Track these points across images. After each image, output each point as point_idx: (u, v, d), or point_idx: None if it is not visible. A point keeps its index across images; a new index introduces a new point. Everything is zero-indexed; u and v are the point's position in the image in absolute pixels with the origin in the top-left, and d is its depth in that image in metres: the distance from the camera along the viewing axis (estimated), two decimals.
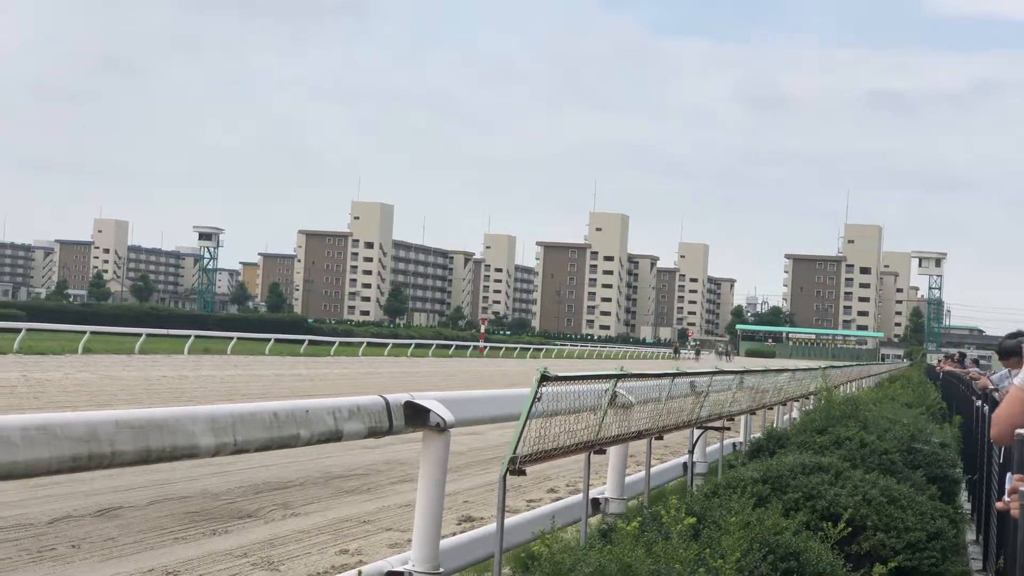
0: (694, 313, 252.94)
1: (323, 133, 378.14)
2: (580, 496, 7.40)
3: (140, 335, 46.84)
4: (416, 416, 5.51)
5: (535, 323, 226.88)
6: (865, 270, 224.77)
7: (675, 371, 8.52)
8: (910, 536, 7.29)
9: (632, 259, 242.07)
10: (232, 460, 12.54)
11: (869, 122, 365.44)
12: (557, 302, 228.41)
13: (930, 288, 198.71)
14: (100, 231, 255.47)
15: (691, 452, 10.48)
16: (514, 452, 5.34)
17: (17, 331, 41.77)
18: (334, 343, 64.77)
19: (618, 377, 6.69)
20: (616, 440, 7.08)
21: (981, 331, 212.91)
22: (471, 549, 6.46)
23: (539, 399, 5.39)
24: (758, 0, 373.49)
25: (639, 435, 7.55)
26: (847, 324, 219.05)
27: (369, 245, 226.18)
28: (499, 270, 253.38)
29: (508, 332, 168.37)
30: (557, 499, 10.68)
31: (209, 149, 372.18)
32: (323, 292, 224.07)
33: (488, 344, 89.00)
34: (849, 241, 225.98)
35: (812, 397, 16.27)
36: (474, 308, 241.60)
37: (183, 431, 4.16)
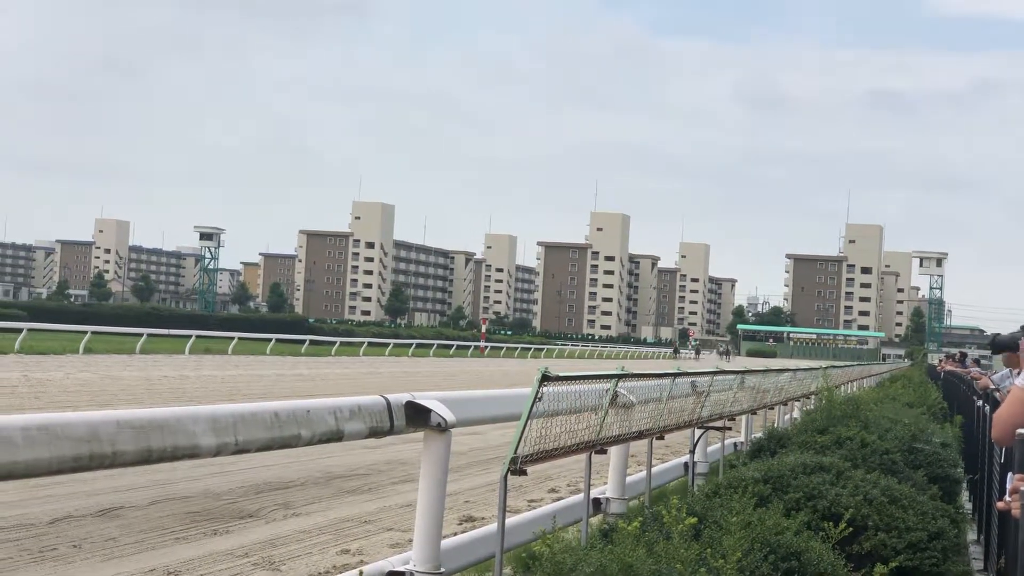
0: (695, 313, 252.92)
1: (323, 133, 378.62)
2: (581, 496, 7.40)
3: (141, 335, 46.86)
4: (417, 416, 5.51)
5: (536, 323, 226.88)
6: (866, 270, 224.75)
7: (676, 371, 8.52)
8: (911, 536, 7.28)
9: (633, 259, 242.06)
10: (233, 460, 12.54)
11: (869, 122, 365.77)
12: (558, 302, 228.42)
13: (931, 288, 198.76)
14: (101, 231, 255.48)
15: (692, 452, 10.48)
16: (515, 452, 5.34)
17: (18, 331, 41.79)
18: (335, 343, 64.78)
19: (619, 377, 6.69)
20: (617, 440, 7.08)
21: (982, 331, 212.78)
22: (472, 549, 6.46)
23: (540, 399, 5.39)
24: (758, 0, 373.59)
25: (640, 435, 7.55)
26: (848, 324, 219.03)
27: (370, 245, 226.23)
28: (500, 270, 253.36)
29: (509, 332, 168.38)
30: (558, 499, 10.68)
31: (209, 149, 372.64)
32: (324, 292, 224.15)
33: (489, 344, 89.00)
34: (850, 241, 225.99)
35: (813, 397, 16.27)
36: (475, 308, 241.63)
37: (184, 431, 4.16)
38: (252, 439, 4.53)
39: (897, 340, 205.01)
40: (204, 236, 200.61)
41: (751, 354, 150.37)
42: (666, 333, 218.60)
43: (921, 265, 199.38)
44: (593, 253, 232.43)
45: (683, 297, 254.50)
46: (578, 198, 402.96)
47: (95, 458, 3.77)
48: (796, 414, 17.22)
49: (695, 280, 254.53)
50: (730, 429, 11.05)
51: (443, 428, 5.50)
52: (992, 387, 11.88)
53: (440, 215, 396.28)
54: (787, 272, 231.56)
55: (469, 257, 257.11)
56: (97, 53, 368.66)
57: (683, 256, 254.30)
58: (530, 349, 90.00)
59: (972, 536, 11.18)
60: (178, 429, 4.13)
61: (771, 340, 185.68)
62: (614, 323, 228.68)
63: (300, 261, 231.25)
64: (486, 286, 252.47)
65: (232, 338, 53.65)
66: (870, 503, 7.45)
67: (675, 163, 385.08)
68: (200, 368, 36.34)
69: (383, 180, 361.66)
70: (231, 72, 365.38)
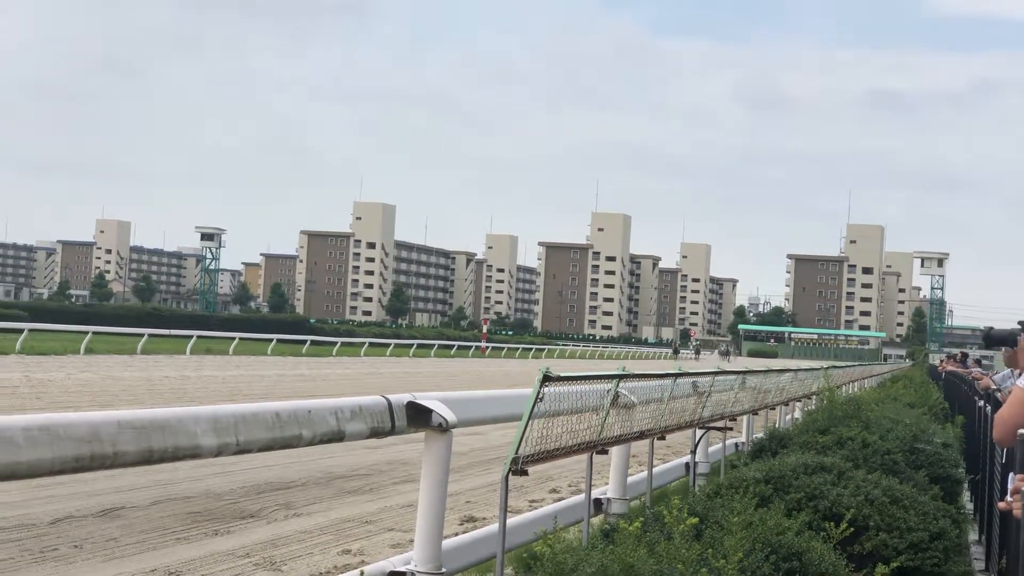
0: (696, 313, 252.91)
1: (323, 133, 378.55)
2: (582, 496, 7.40)
3: (142, 335, 46.88)
4: (418, 416, 5.51)
5: (537, 323, 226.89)
6: (867, 270, 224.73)
7: (678, 371, 8.52)
8: (912, 536, 7.28)
9: (634, 259, 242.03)
10: (234, 460, 12.55)
11: (869, 122, 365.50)
12: (559, 302, 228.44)
13: (932, 288, 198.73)
14: (102, 231, 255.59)
15: (693, 452, 10.47)
16: (516, 452, 5.34)
17: (19, 331, 41.79)
18: (336, 343, 64.77)
19: (620, 377, 6.69)
20: (618, 440, 7.08)
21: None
22: (473, 549, 6.46)
23: (541, 399, 5.39)
24: (758, 0, 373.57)
25: (641, 435, 7.55)
26: (849, 324, 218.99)
27: (371, 245, 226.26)
28: (501, 270, 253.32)
29: (510, 332, 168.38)
30: (559, 499, 10.68)
31: (210, 149, 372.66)
32: (325, 292, 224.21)
33: (490, 344, 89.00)
34: (851, 241, 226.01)
35: (814, 397, 16.28)
36: (476, 308, 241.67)
37: (185, 431, 4.16)
38: (253, 439, 4.53)
39: (898, 340, 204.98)
40: (205, 236, 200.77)
41: (752, 354, 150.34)
42: (667, 333, 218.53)
43: (922, 265, 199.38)
44: (594, 253, 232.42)
45: (684, 297, 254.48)
46: (579, 198, 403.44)
47: (96, 458, 3.77)
48: (797, 414, 17.23)
49: (696, 280, 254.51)
50: (731, 429, 11.05)
51: (444, 428, 5.50)
52: (993, 387, 11.87)
53: (441, 215, 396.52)
54: (788, 272, 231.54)
55: (470, 257, 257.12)
56: (97, 53, 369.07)
57: (684, 256, 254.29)
58: (531, 349, 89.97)
59: (973, 536, 11.18)
60: (179, 429, 4.13)
61: (772, 340, 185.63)
62: (615, 323, 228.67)
63: (301, 261, 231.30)
64: (487, 286, 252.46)
65: (233, 338, 53.66)
66: (871, 503, 7.45)
67: (675, 163, 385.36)
68: (201, 368, 36.35)
69: (384, 180, 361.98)
70: (231, 72, 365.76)
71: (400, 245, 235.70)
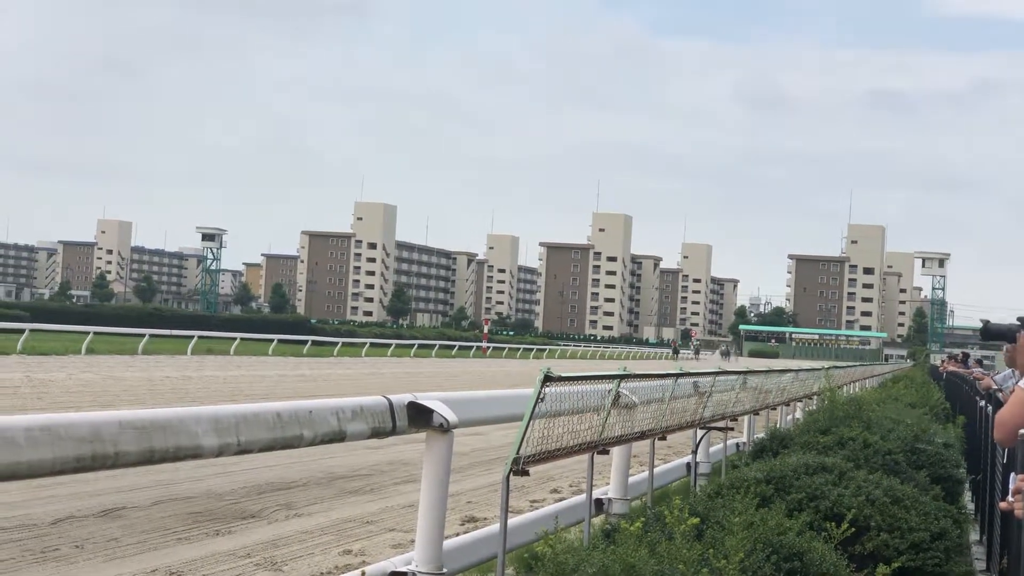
0: (697, 314, 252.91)
1: (323, 133, 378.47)
2: (583, 496, 7.40)
3: (143, 336, 46.90)
4: (419, 417, 5.51)
5: (538, 324, 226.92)
6: (868, 270, 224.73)
7: (679, 372, 8.52)
8: (914, 536, 7.28)
9: (635, 259, 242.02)
10: (236, 460, 12.55)
11: (869, 122, 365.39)
12: (560, 303, 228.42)
13: (933, 288, 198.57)
14: (103, 232, 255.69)
15: (694, 452, 10.47)
16: (517, 452, 5.34)
17: (21, 332, 41.81)
18: (337, 344, 64.78)
19: (621, 377, 6.69)
20: (619, 440, 7.08)
21: None
22: (475, 549, 6.46)
23: (542, 400, 5.39)
24: (758, 0, 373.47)
25: (642, 435, 7.55)
26: (850, 324, 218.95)
27: (372, 246, 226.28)
28: (502, 271, 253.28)
29: (511, 333, 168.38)
30: (560, 499, 10.69)
31: (210, 149, 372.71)
32: (326, 293, 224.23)
33: (491, 344, 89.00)
34: (852, 241, 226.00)
35: (815, 397, 16.27)
36: (477, 309, 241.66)
37: (186, 432, 4.16)
38: (255, 440, 4.53)
39: (899, 340, 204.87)
40: (206, 237, 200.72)
41: (753, 354, 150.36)
42: (668, 334, 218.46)
43: (923, 265, 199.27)
44: (595, 253, 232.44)
45: (685, 297, 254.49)
46: (579, 198, 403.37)
47: (97, 458, 3.77)
48: (798, 414, 17.23)
49: (697, 280, 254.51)
50: (732, 429, 11.05)
51: (445, 428, 5.50)
52: (994, 387, 11.88)
53: (442, 216, 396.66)
54: (789, 272, 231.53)
55: (471, 258, 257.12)
56: (97, 53, 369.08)
57: (685, 256, 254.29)
58: (532, 350, 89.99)
59: (975, 536, 11.17)
60: (180, 430, 4.13)
61: (773, 340, 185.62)
62: (616, 324, 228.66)
63: (302, 262, 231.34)
64: (488, 287, 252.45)
65: (234, 339, 53.68)
66: (872, 503, 7.44)
67: (676, 163, 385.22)
68: (202, 369, 36.35)
69: (384, 180, 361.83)
70: (231, 72, 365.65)
71: (401, 245, 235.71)
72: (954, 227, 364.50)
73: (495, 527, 6.19)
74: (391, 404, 5.43)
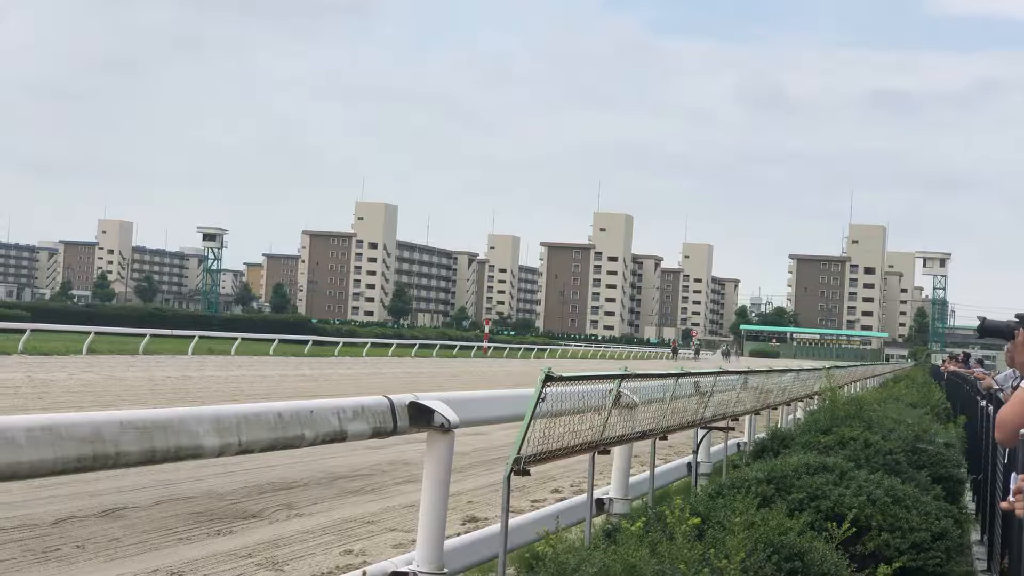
0: (698, 313, 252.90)
1: (324, 133, 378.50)
2: (584, 496, 7.40)
3: (144, 336, 46.89)
4: (420, 416, 5.51)
5: (539, 323, 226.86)
6: (869, 270, 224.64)
7: (680, 371, 8.52)
8: (915, 536, 7.28)
9: (636, 259, 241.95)
10: (237, 460, 12.55)
11: (870, 122, 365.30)
12: (561, 302, 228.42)
13: (934, 288, 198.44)
14: (104, 232, 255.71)
15: (695, 452, 10.48)
16: (518, 452, 5.34)
17: (22, 332, 41.81)
18: (338, 343, 64.75)
19: (622, 377, 6.69)
20: (620, 440, 7.08)
21: None
22: (475, 549, 6.46)
23: (543, 399, 5.39)
24: (758, 0, 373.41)
25: (643, 435, 7.55)
26: (851, 324, 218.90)
27: (373, 246, 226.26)
28: (503, 270, 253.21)
29: (512, 332, 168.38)
30: (561, 499, 10.69)
31: (211, 149, 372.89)
32: (327, 293, 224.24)
33: (492, 344, 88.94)
34: (853, 241, 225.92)
35: (816, 397, 16.27)
36: (478, 308, 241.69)
37: (188, 432, 4.17)
38: (256, 439, 4.53)
39: (900, 340, 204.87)
40: (207, 237, 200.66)
41: (754, 354, 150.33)
42: (669, 333, 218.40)
43: (924, 265, 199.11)
44: (596, 253, 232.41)
45: (686, 297, 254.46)
46: (580, 198, 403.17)
47: (99, 458, 3.77)
48: (799, 414, 17.22)
49: (698, 280, 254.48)
50: (733, 429, 11.05)
51: (446, 428, 5.50)
52: (996, 387, 11.88)
53: (442, 215, 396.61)
54: (790, 272, 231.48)
55: (472, 257, 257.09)
56: (97, 53, 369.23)
57: (686, 256, 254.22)
58: (533, 349, 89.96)
59: (975, 536, 11.17)
60: (181, 430, 4.14)
61: (774, 340, 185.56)
62: (617, 323, 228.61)
63: (303, 262, 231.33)
64: (489, 286, 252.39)
65: (235, 339, 53.66)
66: (873, 503, 7.44)
67: (677, 163, 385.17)
68: (203, 369, 36.36)
69: (385, 180, 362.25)
70: (231, 72, 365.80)
71: (402, 245, 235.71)
72: (955, 227, 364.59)
73: (496, 527, 6.19)
74: (392, 404, 5.43)
